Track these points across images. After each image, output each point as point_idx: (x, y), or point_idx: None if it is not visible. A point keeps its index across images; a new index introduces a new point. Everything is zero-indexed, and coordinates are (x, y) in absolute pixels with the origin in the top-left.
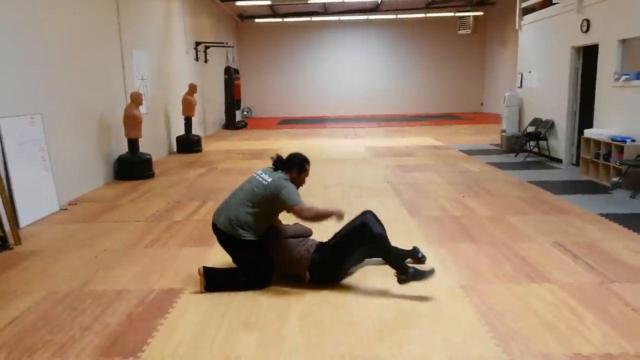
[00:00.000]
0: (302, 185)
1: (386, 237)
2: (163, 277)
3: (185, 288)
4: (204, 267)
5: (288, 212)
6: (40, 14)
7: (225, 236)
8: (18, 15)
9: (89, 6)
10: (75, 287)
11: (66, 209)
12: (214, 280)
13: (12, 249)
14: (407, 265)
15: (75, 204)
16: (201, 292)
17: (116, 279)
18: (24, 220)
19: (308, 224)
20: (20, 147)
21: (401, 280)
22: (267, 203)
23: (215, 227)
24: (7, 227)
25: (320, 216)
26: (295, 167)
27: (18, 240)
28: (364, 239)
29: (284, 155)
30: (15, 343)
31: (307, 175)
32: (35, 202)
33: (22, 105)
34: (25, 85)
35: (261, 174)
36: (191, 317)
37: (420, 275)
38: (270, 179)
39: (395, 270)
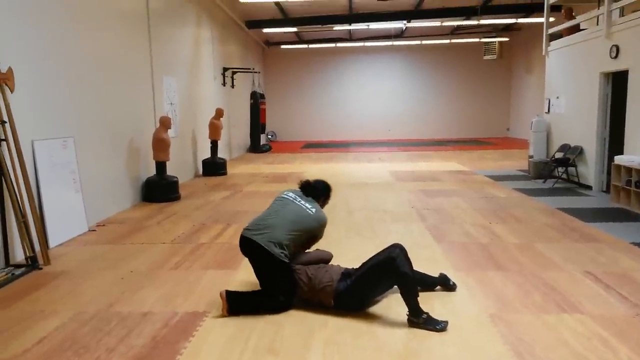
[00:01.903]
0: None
1: (411, 276)
2: (187, 300)
3: (209, 311)
4: (227, 291)
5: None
6: (74, 40)
7: (262, 253)
8: (53, 42)
9: (122, 33)
10: (101, 308)
11: (94, 230)
12: (236, 304)
13: (41, 269)
14: (421, 310)
15: (104, 225)
16: (223, 316)
17: (141, 300)
18: (53, 240)
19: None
20: (52, 169)
21: (411, 323)
22: (309, 231)
23: (249, 242)
24: (37, 247)
25: None
26: (323, 195)
27: (47, 261)
28: (389, 274)
29: (309, 179)
30: None
31: (327, 204)
32: (64, 223)
33: (55, 129)
34: (58, 109)
35: (300, 200)
36: (215, 340)
37: (431, 324)
38: (314, 209)
39: (408, 311)
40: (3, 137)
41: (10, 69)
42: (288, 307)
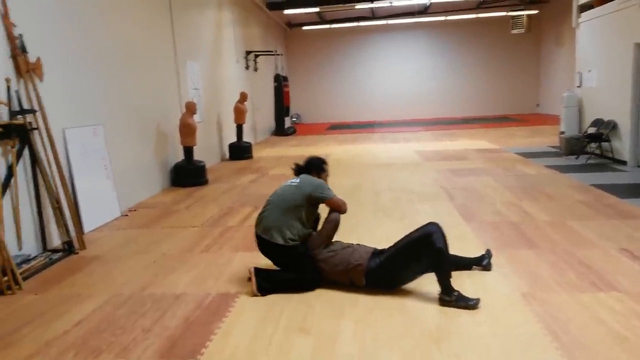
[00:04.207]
0: None
1: (446, 254)
2: (219, 282)
3: (241, 292)
4: (255, 268)
5: (326, 204)
6: (100, 29)
7: (268, 245)
8: (79, 31)
9: (145, 20)
10: (135, 290)
11: (126, 215)
12: (265, 281)
13: (77, 253)
14: (452, 288)
15: (135, 210)
16: (253, 295)
17: (174, 283)
18: (87, 226)
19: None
20: (83, 156)
21: (442, 301)
22: (302, 202)
23: (258, 240)
24: (72, 233)
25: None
26: (313, 169)
27: (82, 245)
28: (425, 250)
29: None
30: (81, 344)
31: (327, 175)
32: (98, 208)
33: (85, 117)
34: (87, 97)
35: (288, 181)
36: (247, 320)
37: (463, 302)
38: (299, 180)
39: (440, 289)
40: (35, 126)
41: (38, 59)
42: (315, 285)
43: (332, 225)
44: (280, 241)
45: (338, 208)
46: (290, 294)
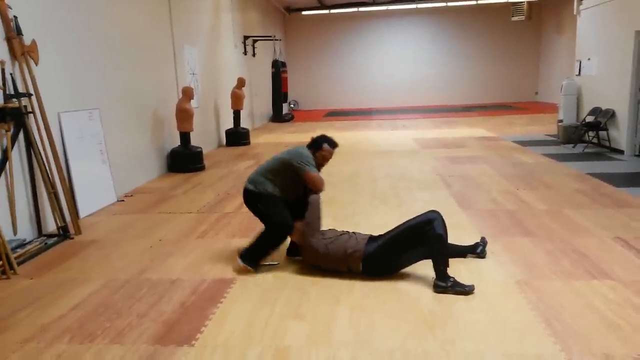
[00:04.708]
0: (322, 166)
1: (444, 239)
2: (215, 268)
3: (236, 278)
4: (241, 257)
5: (303, 178)
6: (97, 12)
7: (247, 194)
8: (76, 13)
9: (142, 3)
10: (132, 275)
11: (122, 200)
12: (245, 251)
13: (72, 238)
14: (448, 275)
15: (131, 195)
16: (240, 270)
17: (170, 268)
18: (83, 211)
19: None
20: (79, 140)
21: (437, 287)
22: (283, 168)
23: (244, 192)
24: (68, 218)
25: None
26: (312, 147)
27: (78, 230)
28: (424, 236)
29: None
30: (77, 328)
31: (325, 154)
32: (94, 193)
33: (81, 101)
34: (83, 81)
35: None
36: (242, 307)
37: (458, 288)
38: (289, 148)
39: (435, 275)
40: (30, 110)
41: (34, 42)
42: (287, 229)
43: (315, 207)
44: (254, 190)
45: (313, 184)
46: (270, 252)
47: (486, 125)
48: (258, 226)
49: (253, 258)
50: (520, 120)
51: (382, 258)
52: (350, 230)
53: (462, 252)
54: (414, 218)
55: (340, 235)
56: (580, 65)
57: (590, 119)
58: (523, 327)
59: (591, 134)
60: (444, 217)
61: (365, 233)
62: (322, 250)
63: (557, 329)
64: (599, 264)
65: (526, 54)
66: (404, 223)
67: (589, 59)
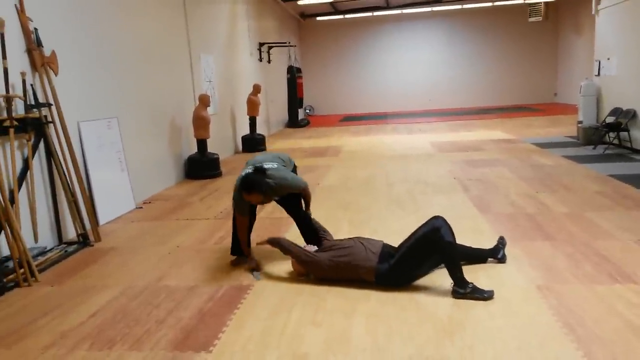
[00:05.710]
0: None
1: (455, 246)
2: (231, 274)
3: (253, 284)
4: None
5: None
6: (115, 23)
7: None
8: (94, 23)
9: (159, 13)
10: (150, 282)
11: (141, 208)
12: (236, 250)
13: (92, 245)
14: (466, 281)
15: (150, 202)
16: (256, 270)
17: (188, 274)
18: (102, 218)
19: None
20: (98, 149)
21: (456, 294)
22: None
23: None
24: (87, 225)
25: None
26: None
27: (98, 238)
28: (434, 246)
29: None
30: (96, 335)
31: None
32: (113, 201)
33: (100, 110)
34: (102, 90)
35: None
36: (259, 313)
37: (478, 294)
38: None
39: (453, 282)
40: (50, 120)
41: (53, 52)
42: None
43: (283, 246)
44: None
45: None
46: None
47: (504, 128)
48: (275, 233)
49: (235, 250)
50: (539, 122)
51: (395, 274)
52: (364, 236)
53: (483, 256)
54: (419, 228)
55: (347, 247)
56: (599, 66)
57: (610, 119)
58: (544, 332)
59: (612, 135)
60: (462, 221)
61: (378, 240)
62: (326, 264)
63: (580, 335)
64: (622, 268)
65: (544, 54)
66: (411, 235)
67: (608, 59)
